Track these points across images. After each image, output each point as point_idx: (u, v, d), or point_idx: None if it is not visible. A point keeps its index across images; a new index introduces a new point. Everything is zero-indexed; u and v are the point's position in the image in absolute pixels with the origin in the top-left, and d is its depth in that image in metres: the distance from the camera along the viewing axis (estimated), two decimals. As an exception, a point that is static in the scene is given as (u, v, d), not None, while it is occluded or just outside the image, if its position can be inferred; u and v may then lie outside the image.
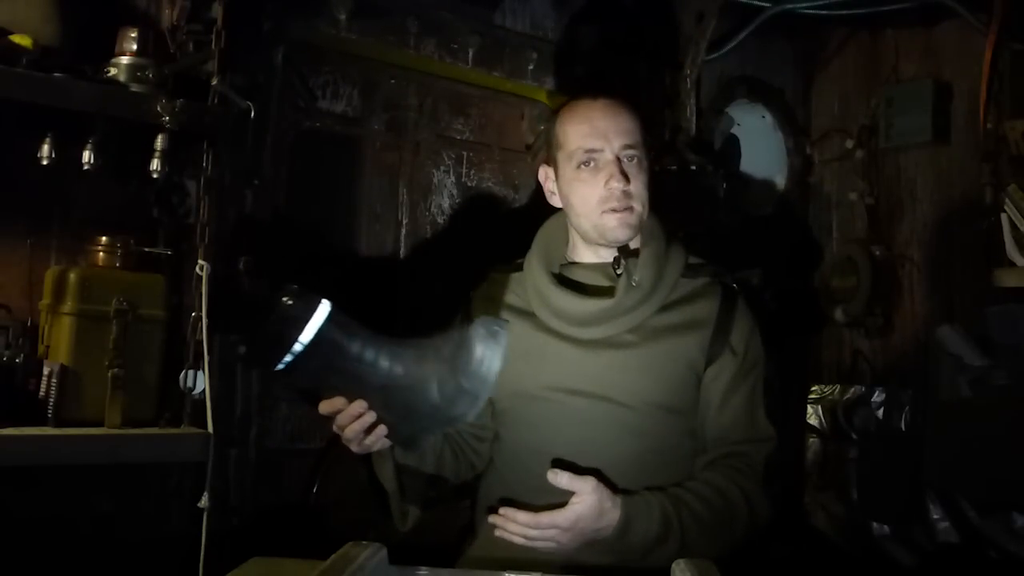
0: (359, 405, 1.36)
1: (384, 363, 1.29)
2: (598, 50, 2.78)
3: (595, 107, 1.59)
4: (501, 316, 1.63)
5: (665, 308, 1.56)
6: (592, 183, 1.56)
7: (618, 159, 1.55)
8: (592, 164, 1.56)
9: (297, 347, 1.21)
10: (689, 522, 1.44)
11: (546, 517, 1.38)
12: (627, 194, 1.55)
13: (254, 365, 1.25)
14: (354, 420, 1.37)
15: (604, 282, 1.58)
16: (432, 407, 1.32)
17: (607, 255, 1.60)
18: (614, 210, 1.55)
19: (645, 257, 1.57)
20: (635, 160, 1.56)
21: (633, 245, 1.61)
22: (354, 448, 1.43)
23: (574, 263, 1.64)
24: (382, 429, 1.39)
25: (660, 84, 2.90)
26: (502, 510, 1.41)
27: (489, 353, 1.29)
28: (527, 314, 1.61)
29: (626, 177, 1.54)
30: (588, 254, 1.63)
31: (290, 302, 1.21)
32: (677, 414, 1.55)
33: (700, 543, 1.43)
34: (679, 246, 1.65)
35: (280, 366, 1.23)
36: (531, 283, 1.62)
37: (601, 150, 1.56)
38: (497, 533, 1.44)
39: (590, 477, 1.40)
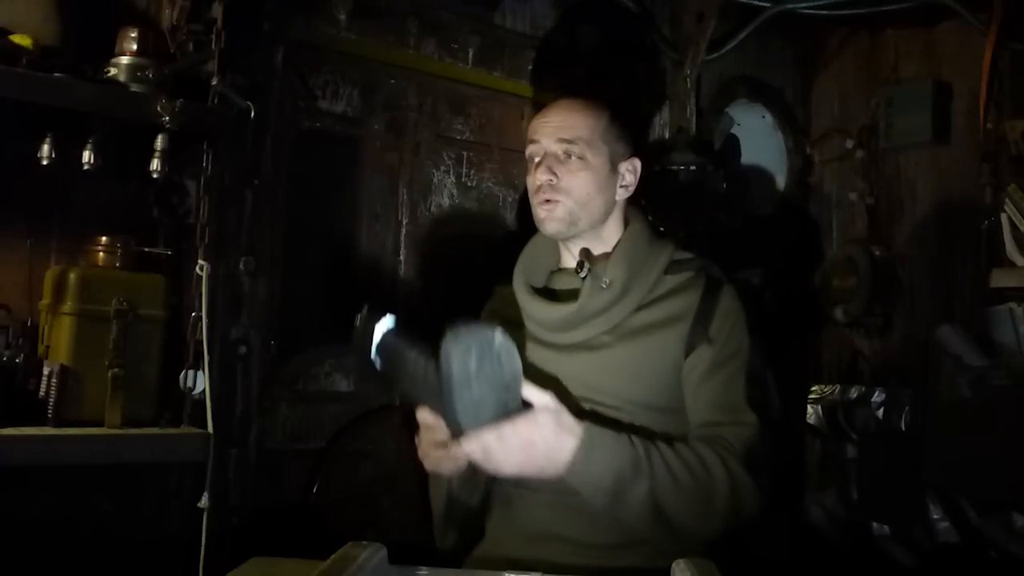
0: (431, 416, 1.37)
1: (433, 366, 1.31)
2: (598, 50, 2.78)
3: (552, 105, 1.64)
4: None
5: (644, 307, 1.55)
6: (531, 173, 1.62)
7: (554, 153, 1.58)
8: (535, 157, 1.61)
9: (372, 353, 1.37)
10: (660, 467, 1.37)
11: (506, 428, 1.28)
12: (553, 187, 1.57)
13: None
14: (431, 434, 1.40)
15: (577, 286, 1.58)
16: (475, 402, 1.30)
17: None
18: (542, 202, 1.58)
19: (616, 257, 1.58)
20: (573, 156, 1.57)
21: (606, 248, 1.61)
22: (426, 464, 1.46)
23: (561, 269, 1.66)
24: (450, 458, 1.39)
25: (660, 84, 2.90)
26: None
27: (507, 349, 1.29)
28: (521, 325, 1.62)
29: (553, 172, 1.57)
30: (569, 259, 1.64)
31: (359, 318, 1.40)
32: (665, 412, 1.52)
33: (676, 502, 1.37)
34: (663, 243, 1.64)
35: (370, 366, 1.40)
36: (517, 294, 1.65)
37: (538, 142, 1.60)
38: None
39: (551, 393, 1.34)
